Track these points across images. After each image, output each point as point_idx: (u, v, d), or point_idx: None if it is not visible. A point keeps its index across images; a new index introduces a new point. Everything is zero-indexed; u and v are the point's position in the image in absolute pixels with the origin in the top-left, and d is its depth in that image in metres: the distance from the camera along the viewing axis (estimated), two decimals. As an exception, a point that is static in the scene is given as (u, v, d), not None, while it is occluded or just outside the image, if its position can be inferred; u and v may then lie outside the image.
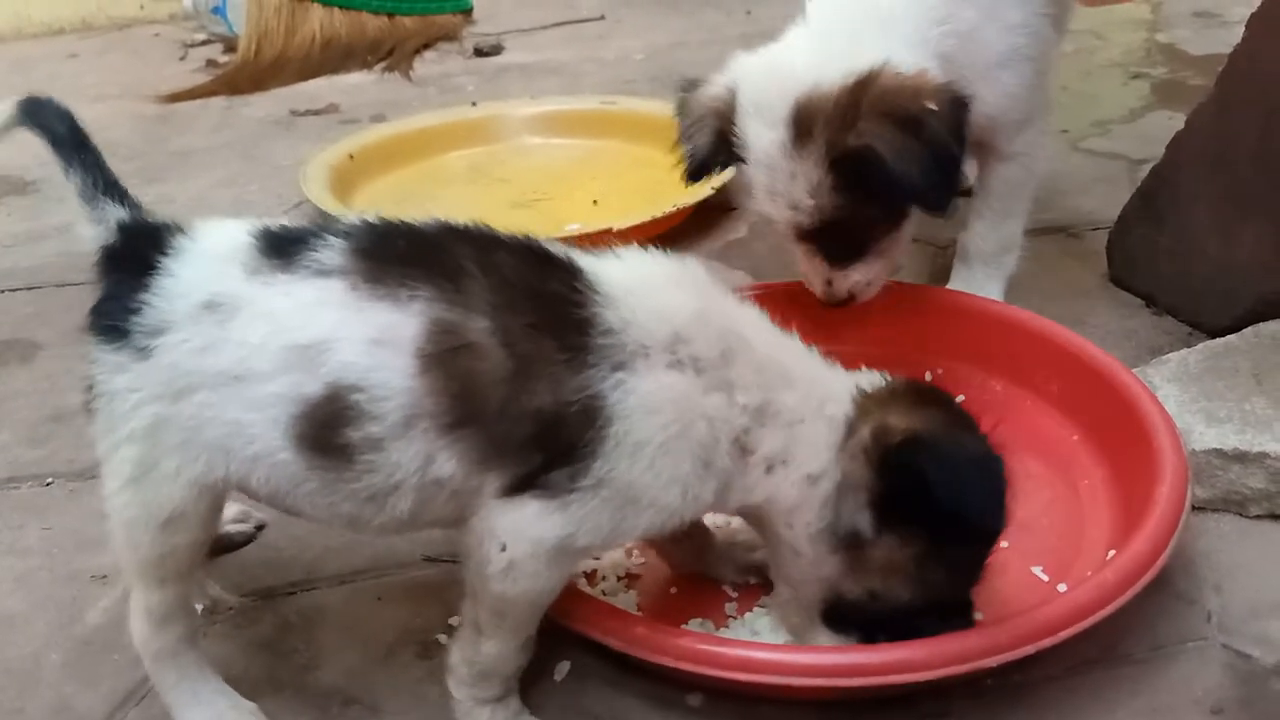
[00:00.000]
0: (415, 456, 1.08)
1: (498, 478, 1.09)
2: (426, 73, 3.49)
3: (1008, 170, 1.79)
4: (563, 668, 1.28)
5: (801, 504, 1.14)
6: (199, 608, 1.40)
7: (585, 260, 1.15)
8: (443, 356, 1.06)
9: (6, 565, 1.52)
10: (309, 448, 1.09)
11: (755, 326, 1.18)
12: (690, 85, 1.63)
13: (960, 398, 1.63)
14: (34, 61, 3.91)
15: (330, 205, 2.25)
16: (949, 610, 1.18)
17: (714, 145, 1.58)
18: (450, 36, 3.75)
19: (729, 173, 1.68)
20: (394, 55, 3.59)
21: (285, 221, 1.18)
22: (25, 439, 1.78)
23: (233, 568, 1.48)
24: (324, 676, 1.31)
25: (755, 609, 1.33)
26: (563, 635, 1.26)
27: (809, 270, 1.64)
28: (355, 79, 3.48)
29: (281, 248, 1.12)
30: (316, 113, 3.20)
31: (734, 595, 1.36)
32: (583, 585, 1.36)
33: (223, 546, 1.50)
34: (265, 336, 1.08)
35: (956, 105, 1.46)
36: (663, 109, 2.70)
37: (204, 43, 3.93)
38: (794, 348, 1.20)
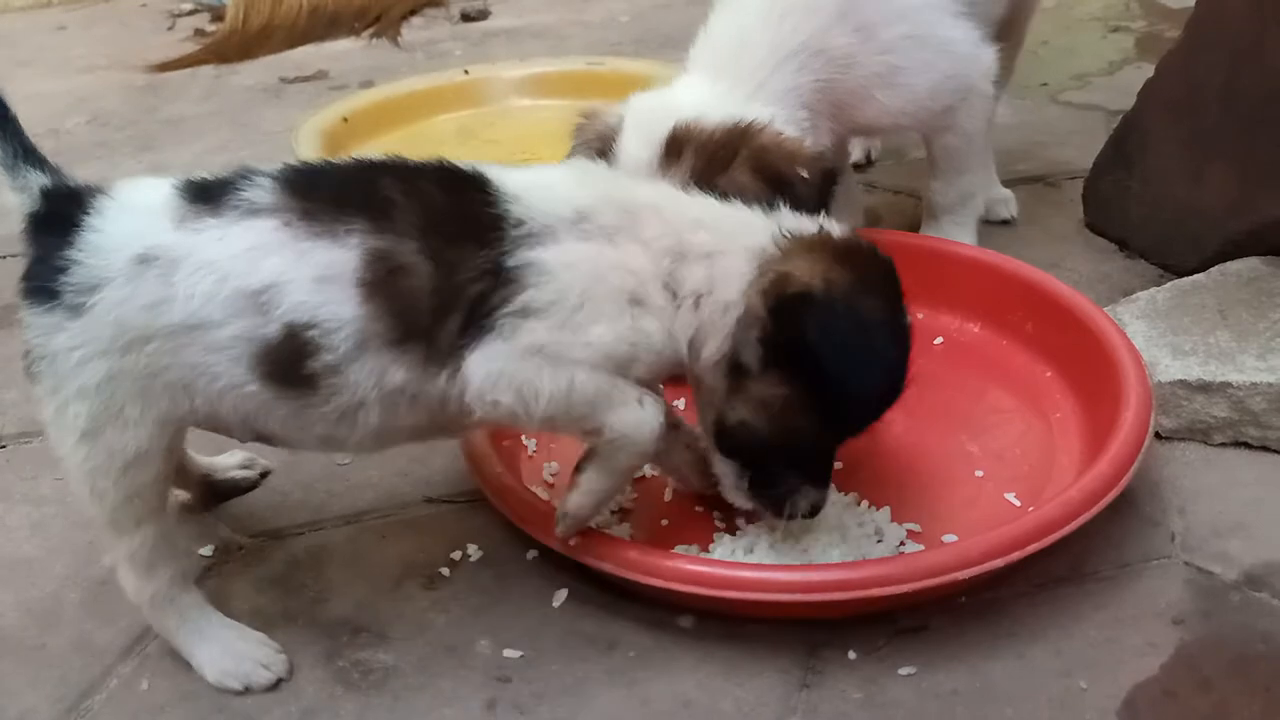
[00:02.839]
0: (371, 373, 1.17)
1: (450, 371, 1.18)
2: (414, 38, 3.52)
3: (944, 140, 1.84)
4: (560, 595, 1.35)
5: (714, 331, 1.23)
6: (209, 549, 1.47)
7: (493, 171, 1.24)
8: (382, 282, 1.15)
9: (23, 513, 1.58)
10: (275, 380, 1.17)
11: (663, 194, 1.29)
12: (589, 114, 1.70)
13: (939, 339, 1.72)
14: (21, 34, 3.92)
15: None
16: (807, 465, 1.28)
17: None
18: (437, 2, 3.77)
19: None
20: (381, 22, 3.61)
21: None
22: (34, 397, 1.83)
23: (241, 511, 1.54)
24: (333, 608, 1.37)
25: (737, 533, 1.39)
26: (561, 564, 1.33)
27: None
28: (343, 46, 3.50)
29: (206, 193, 1.18)
30: (305, 79, 3.22)
31: (721, 526, 1.42)
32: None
33: (229, 491, 1.56)
34: (214, 285, 1.14)
35: (826, 177, 1.53)
36: (648, 69, 2.76)
37: (191, 12, 3.94)
38: (707, 201, 1.29)
